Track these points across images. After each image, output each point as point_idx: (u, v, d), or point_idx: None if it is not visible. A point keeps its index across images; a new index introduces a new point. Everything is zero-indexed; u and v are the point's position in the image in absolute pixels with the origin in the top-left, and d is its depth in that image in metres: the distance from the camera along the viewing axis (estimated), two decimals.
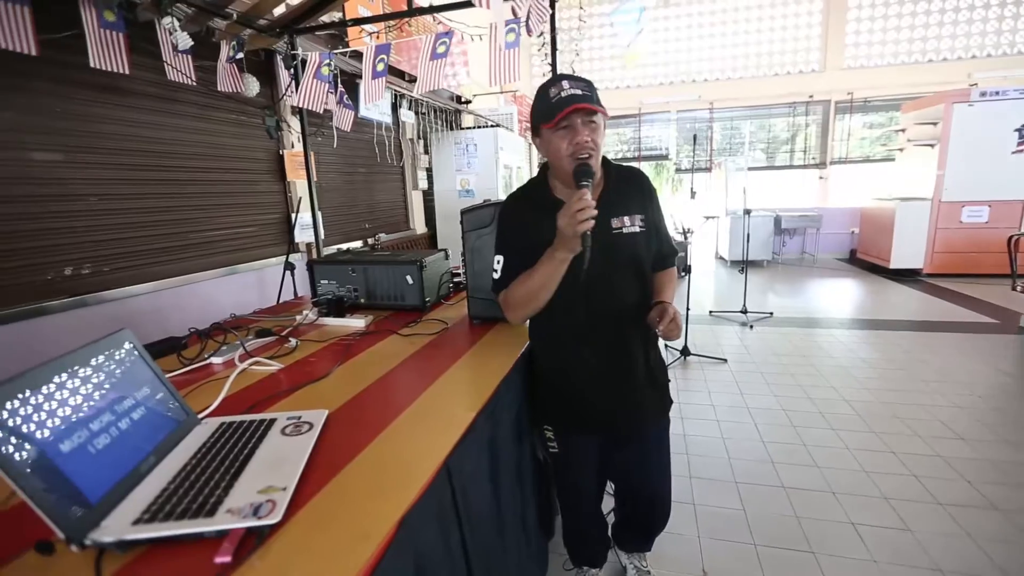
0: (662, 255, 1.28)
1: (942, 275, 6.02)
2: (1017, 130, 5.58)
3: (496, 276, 1.22)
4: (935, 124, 5.87)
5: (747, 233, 4.40)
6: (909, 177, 6.45)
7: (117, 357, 0.79)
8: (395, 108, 3.80)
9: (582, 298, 1.17)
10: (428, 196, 5.12)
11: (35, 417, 0.61)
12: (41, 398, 0.63)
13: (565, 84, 1.09)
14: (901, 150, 6.62)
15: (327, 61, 2.09)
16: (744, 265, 4.56)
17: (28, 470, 0.56)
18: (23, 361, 1.89)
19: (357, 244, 3.88)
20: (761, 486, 2.12)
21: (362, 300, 1.79)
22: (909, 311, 4.75)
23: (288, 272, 2.81)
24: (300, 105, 2.13)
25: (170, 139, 2.44)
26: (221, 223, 2.76)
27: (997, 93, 5.57)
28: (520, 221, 1.21)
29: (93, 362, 0.73)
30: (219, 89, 2.28)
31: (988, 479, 2.11)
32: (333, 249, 3.57)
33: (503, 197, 5.18)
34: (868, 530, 1.85)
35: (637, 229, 1.19)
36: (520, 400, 1.25)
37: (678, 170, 8.95)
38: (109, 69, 1.76)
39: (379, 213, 4.28)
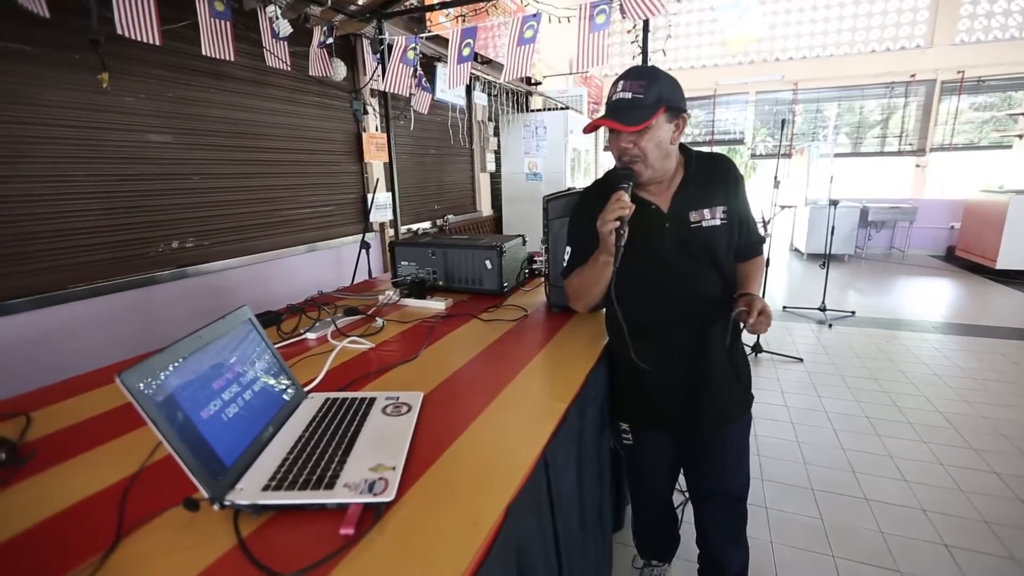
0: (749, 244, 1.22)
1: None
2: None
3: (565, 265, 1.24)
4: None
5: (832, 225, 4.09)
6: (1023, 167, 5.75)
7: (240, 332, 0.85)
8: (469, 90, 3.81)
9: (657, 292, 1.14)
10: (495, 178, 5.13)
11: (182, 385, 0.67)
12: (185, 368, 0.69)
13: (620, 85, 1.05)
14: (1020, 137, 5.89)
15: (413, 45, 2.12)
16: (826, 259, 4.26)
17: (179, 433, 0.62)
18: (141, 324, 2.10)
19: (426, 224, 3.97)
20: (842, 496, 2.01)
21: (440, 282, 1.83)
22: (1018, 317, 4.27)
23: (364, 251, 2.93)
24: (387, 88, 2.18)
25: (262, 121, 2.58)
26: (304, 202, 2.90)
27: None
28: (591, 214, 1.19)
29: (222, 336, 0.79)
30: (310, 73, 2.37)
31: None
32: (404, 229, 3.68)
33: (570, 181, 5.10)
34: (965, 555, 1.71)
35: (718, 222, 1.14)
36: (604, 393, 1.24)
37: (753, 155, 8.44)
38: (218, 57, 1.88)
39: (448, 195, 4.35)
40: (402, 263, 1.88)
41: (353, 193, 3.26)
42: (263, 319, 1.44)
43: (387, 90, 2.17)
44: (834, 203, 4.08)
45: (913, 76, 7.18)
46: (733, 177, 1.17)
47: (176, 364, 0.67)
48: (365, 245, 2.91)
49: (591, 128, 1.09)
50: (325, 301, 1.69)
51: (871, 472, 2.16)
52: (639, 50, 1.87)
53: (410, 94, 2.33)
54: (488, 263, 1.73)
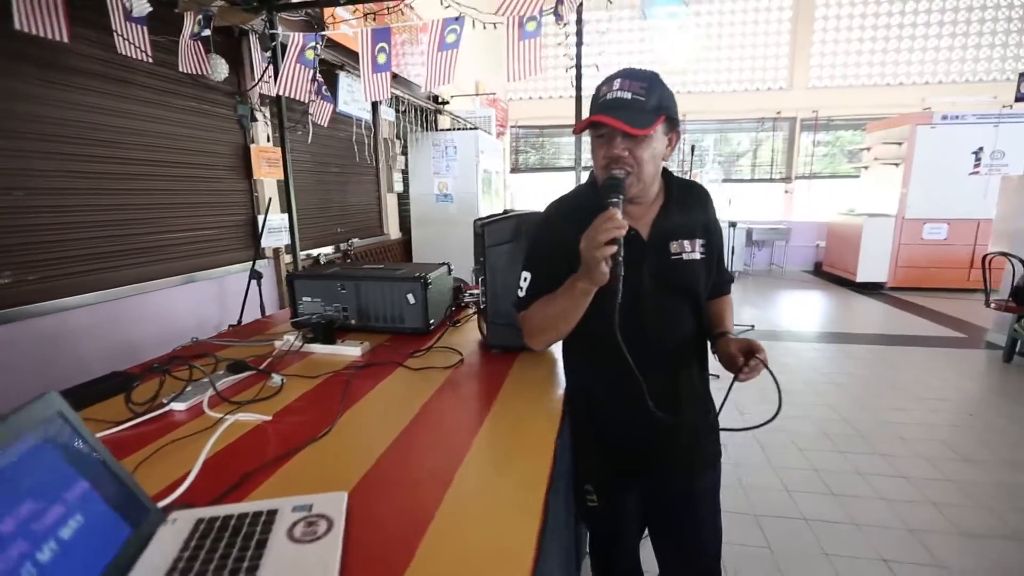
0: (722, 281, 1.14)
1: (904, 288, 6.23)
2: (974, 152, 5.85)
3: (520, 294, 1.03)
4: (900, 144, 6.08)
5: (732, 246, 4.35)
6: (872, 194, 6.67)
7: (37, 441, 0.52)
8: (375, 105, 3.52)
9: (631, 332, 0.98)
10: (403, 199, 4.83)
11: None
12: None
13: (616, 84, 0.90)
14: (866, 168, 6.84)
15: (312, 43, 1.82)
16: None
17: None
18: None
19: (329, 249, 3.57)
20: (784, 519, 1.99)
21: (352, 321, 1.53)
22: (882, 324, 4.84)
23: (255, 281, 2.49)
24: (281, 91, 1.84)
25: (119, 126, 2.09)
26: (177, 224, 2.41)
27: (957, 117, 5.82)
28: (559, 236, 1.01)
29: (4, 456, 0.47)
30: (180, 70, 1.96)
31: (1009, 505, 2.06)
32: (303, 255, 3.26)
33: (482, 202, 4.96)
34: (902, 568, 1.73)
35: (698, 255, 1.03)
36: (568, 458, 1.04)
37: None
38: (40, 34, 1.44)
39: (352, 217, 3.97)
40: (303, 299, 1.56)
41: (240, 214, 2.80)
42: (105, 385, 1.05)
43: (281, 93, 1.84)
44: (732, 224, 4.34)
45: (779, 113, 8.13)
46: (711, 208, 1.07)
47: None
48: (256, 275, 2.48)
49: (584, 126, 0.91)
50: (200, 352, 1.31)
51: (803, 490, 2.19)
52: (571, 62, 1.77)
53: (309, 100, 2.01)
54: (411, 297, 1.47)
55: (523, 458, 0.81)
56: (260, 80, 2.11)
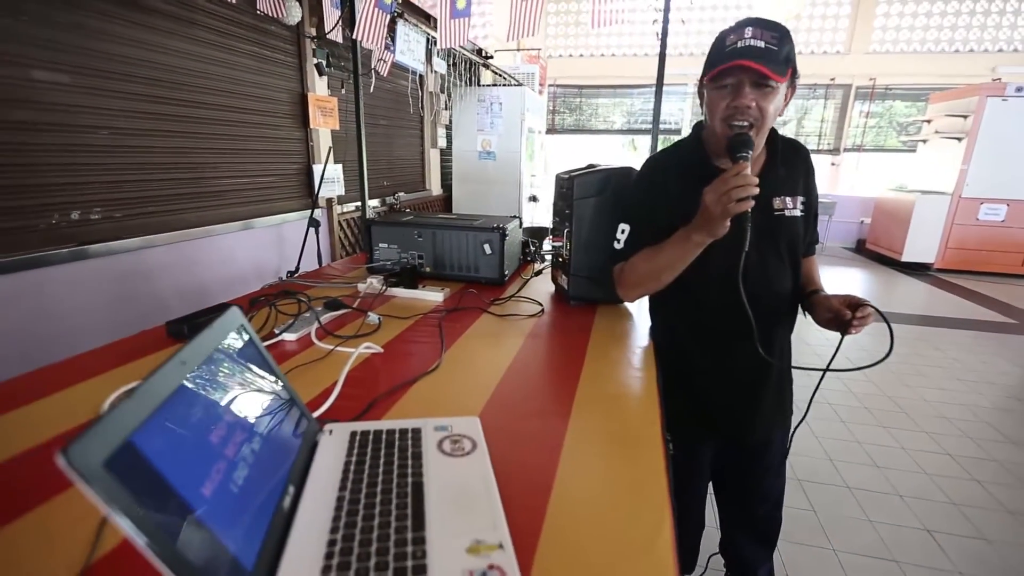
0: (812, 241, 1.15)
1: (952, 271, 6.02)
2: None
3: (618, 246, 1.06)
4: (965, 117, 5.74)
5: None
6: (927, 169, 6.36)
7: (234, 348, 0.57)
8: (428, 55, 3.46)
9: (730, 287, 1.00)
10: (445, 156, 4.81)
11: (168, 449, 0.40)
12: (171, 418, 0.41)
13: (748, 32, 0.88)
14: (924, 141, 6.50)
15: None
16: None
17: (175, 536, 0.36)
18: (25, 319, 1.64)
19: (375, 203, 3.60)
20: (826, 485, 2.03)
21: (427, 269, 1.57)
22: (926, 305, 4.71)
23: (312, 230, 2.55)
24: (359, 38, 1.83)
25: (188, 69, 2.12)
26: (239, 170, 2.46)
27: None
28: (662, 188, 1.03)
29: (215, 356, 0.52)
30: (258, 10, 1.95)
31: None
32: (352, 207, 3.31)
33: (526, 161, 4.91)
34: (945, 538, 1.77)
35: (798, 212, 1.04)
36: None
37: None
38: None
39: (397, 171, 3.98)
40: (380, 245, 1.60)
41: (297, 163, 2.84)
42: (216, 315, 1.12)
43: (359, 39, 1.83)
44: None
45: (832, 79, 7.71)
46: (811, 167, 1.08)
47: (156, 415, 0.40)
48: (314, 223, 2.54)
49: (723, 69, 0.87)
50: (287, 290, 1.37)
51: (846, 460, 2.21)
52: (658, 15, 1.68)
53: (383, 47, 1.99)
54: (487, 247, 1.50)
55: (632, 398, 0.85)
56: (337, 24, 2.09)
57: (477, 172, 4.67)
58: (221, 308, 1.17)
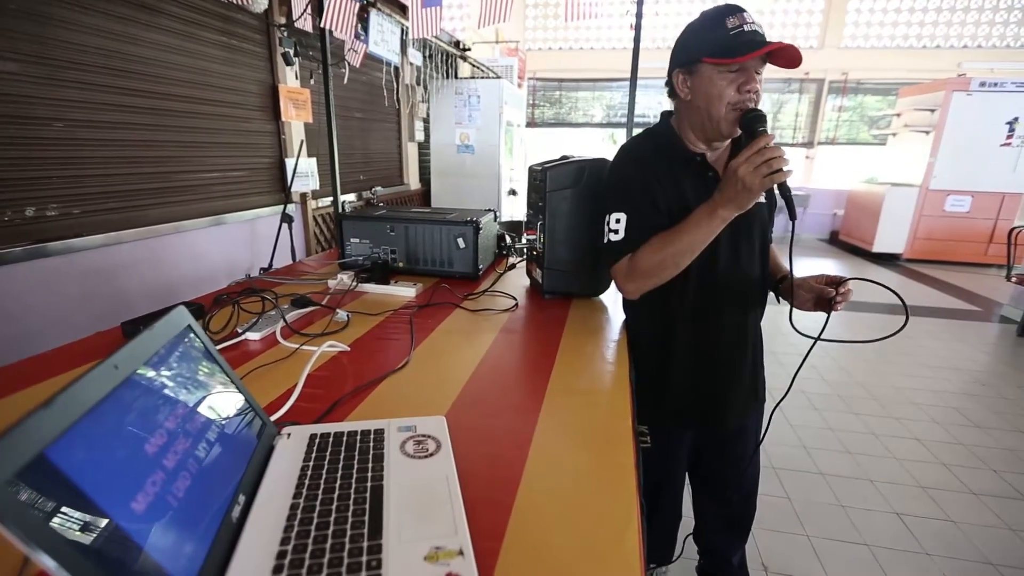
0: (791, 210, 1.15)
1: (920, 260, 6.20)
2: (1008, 123, 5.67)
3: (616, 238, 1.01)
4: (932, 111, 5.88)
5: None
6: (897, 162, 6.52)
7: (177, 350, 0.54)
8: (403, 47, 3.39)
9: (705, 272, 1.01)
10: (423, 149, 4.75)
11: (93, 463, 0.37)
12: (96, 428, 0.39)
13: (748, 17, 0.90)
14: (894, 134, 6.66)
15: None
16: None
17: (100, 560, 0.33)
18: None
19: (351, 197, 3.54)
20: (801, 472, 2.07)
21: (400, 264, 1.54)
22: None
23: (286, 225, 2.49)
24: (326, 27, 1.77)
25: (151, 59, 2.03)
26: (209, 164, 2.38)
27: (996, 84, 5.60)
28: (652, 174, 1.01)
29: (154, 360, 0.49)
30: None
31: (1016, 469, 2.13)
32: (327, 202, 3.24)
33: (505, 155, 4.87)
34: (913, 520, 1.82)
35: (762, 199, 1.03)
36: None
37: None
38: None
39: (374, 164, 3.91)
40: (352, 240, 1.56)
41: (268, 157, 2.76)
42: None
43: (327, 27, 1.77)
44: None
45: (807, 74, 7.83)
46: None
47: (79, 424, 0.37)
48: (287, 218, 2.48)
49: (766, 51, 0.87)
50: (254, 288, 1.33)
51: (819, 447, 2.26)
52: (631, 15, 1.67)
53: (352, 37, 1.93)
54: (461, 241, 1.47)
55: (603, 392, 0.84)
56: (304, 12, 2.03)
57: (456, 166, 4.62)
58: (187, 307, 1.13)
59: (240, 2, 1.92)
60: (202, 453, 0.49)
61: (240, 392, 0.62)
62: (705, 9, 0.94)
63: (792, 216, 0.86)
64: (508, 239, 1.71)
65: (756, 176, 0.82)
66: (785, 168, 0.82)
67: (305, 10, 2.07)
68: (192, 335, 0.58)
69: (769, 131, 0.86)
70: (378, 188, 3.68)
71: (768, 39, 0.89)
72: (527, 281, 1.48)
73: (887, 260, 6.29)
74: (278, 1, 2.53)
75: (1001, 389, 2.88)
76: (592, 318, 1.21)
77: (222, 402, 0.57)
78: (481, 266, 1.51)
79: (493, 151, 4.54)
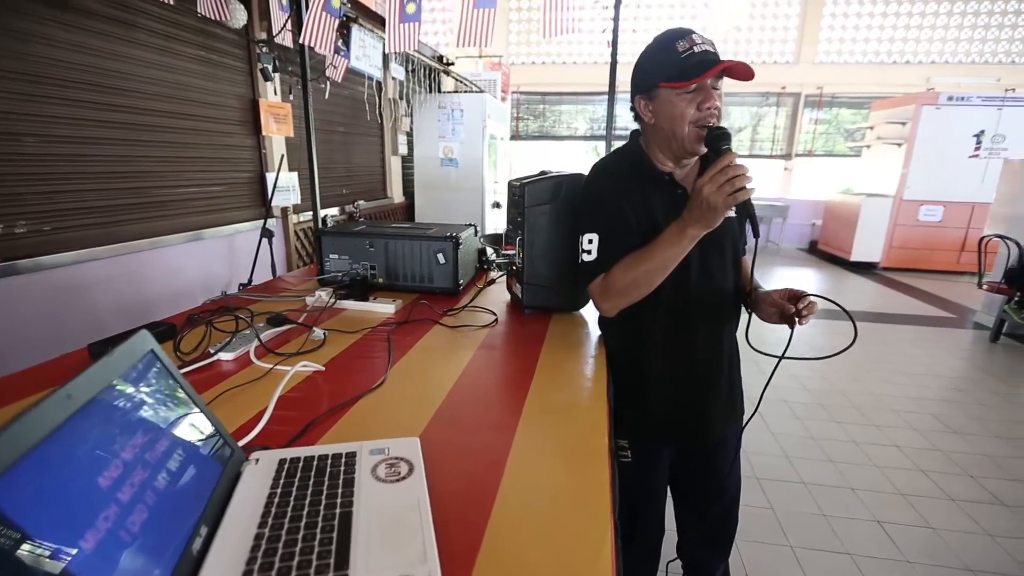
0: (744, 240, 1.17)
1: (896, 269, 6.34)
2: (975, 135, 5.87)
3: (589, 258, 1.03)
4: (903, 124, 6.07)
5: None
6: (872, 173, 6.69)
7: (138, 376, 0.53)
8: (385, 61, 3.41)
9: (678, 287, 1.02)
10: (406, 163, 4.75)
11: (37, 499, 0.35)
12: (44, 463, 0.37)
13: (696, 38, 0.92)
14: (868, 146, 6.84)
15: None
16: None
17: None
18: None
19: (334, 211, 3.52)
20: (784, 482, 2.08)
21: (380, 280, 1.53)
22: (873, 303, 4.94)
23: (266, 240, 2.46)
24: (306, 42, 1.77)
25: (129, 73, 2.01)
26: (186, 179, 2.35)
27: (962, 98, 5.81)
28: (623, 194, 1.02)
29: (111, 388, 0.48)
30: (199, 13, 1.87)
31: (992, 474, 2.17)
32: (309, 216, 3.22)
33: (489, 168, 4.90)
34: (893, 528, 1.83)
35: (732, 212, 1.05)
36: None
37: None
38: None
39: (357, 178, 3.90)
40: (331, 256, 1.55)
41: (248, 171, 2.74)
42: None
43: (306, 43, 1.77)
44: None
45: (783, 88, 8.04)
46: None
47: (24, 460, 0.35)
48: (268, 233, 2.45)
49: (718, 70, 0.89)
50: (231, 306, 1.30)
51: (802, 456, 2.28)
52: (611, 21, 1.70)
53: (332, 53, 1.94)
54: (441, 256, 1.47)
55: (580, 408, 0.84)
56: (283, 28, 2.02)
57: (439, 179, 4.63)
58: (156, 325, 1.11)
59: (218, 18, 1.90)
60: (161, 484, 0.48)
61: (206, 417, 0.60)
62: (657, 34, 0.97)
63: (755, 234, 0.88)
64: (489, 252, 1.71)
65: (720, 195, 0.84)
66: (748, 186, 0.84)
67: (284, 25, 2.07)
68: (155, 359, 0.57)
69: (733, 148, 0.88)
70: (361, 202, 3.66)
71: (722, 56, 0.92)
72: (508, 296, 1.48)
73: (865, 269, 6.43)
74: (259, 16, 2.53)
75: (977, 395, 2.94)
76: (572, 333, 1.21)
77: (184, 429, 0.55)
78: (461, 281, 1.50)
79: (477, 164, 4.56)
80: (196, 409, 0.59)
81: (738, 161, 0.85)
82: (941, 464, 2.24)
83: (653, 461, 1.17)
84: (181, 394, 0.58)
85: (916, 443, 2.41)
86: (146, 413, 0.50)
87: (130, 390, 0.50)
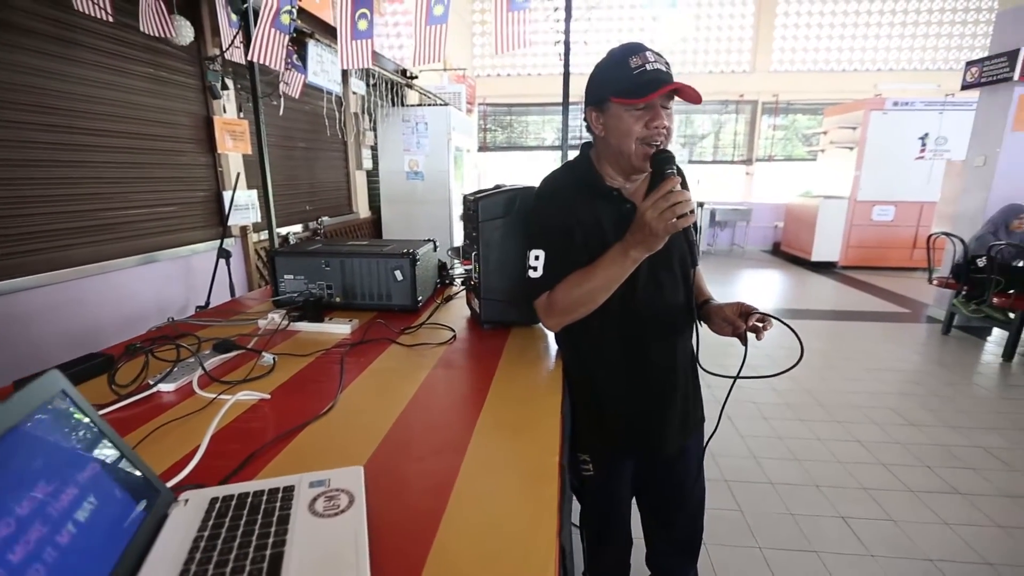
0: (692, 252, 1.17)
1: (854, 267, 6.58)
2: (920, 138, 6.17)
3: (535, 275, 1.03)
4: (854, 128, 6.34)
5: (699, 226, 4.46)
6: (828, 176, 6.96)
7: (45, 420, 0.49)
8: (345, 77, 3.38)
9: (629, 301, 1.03)
10: (372, 177, 4.70)
11: None
12: None
13: (649, 55, 0.93)
14: (822, 151, 7.11)
15: (288, 7, 1.71)
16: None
17: None
18: None
19: (298, 228, 3.45)
20: (752, 483, 2.11)
21: (337, 299, 1.50)
22: (834, 301, 5.11)
23: (223, 261, 2.39)
24: (254, 58, 1.73)
25: (72, 93, 1.94)
26: (136, 200, 2.27)
27: (906, 104, 6.10)
28: (568, 210, 1.03)
29: (12, 439, 0.44)
30: (141, 30, 1.81)
31: (946, 463, 2.25)
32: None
33: (454, 182, 4.91)
34: (858, 523, 1.87)
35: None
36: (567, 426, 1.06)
37: None
38: None
39: (321, 194, 3.84)
40: (285, 276, 1.51)
41: (204, 190, 2.66)
42: (83, 367, 1.00)
43: (254, 60, 1.74)
44: (701, 205, 4.45)
45: (741, 96, 8.31)
46: (686, 181, 1.08)
47: None
48: (224, 254, 2.38)
49: (667, 91, 0.90)
50: (178, 332, 1.25)
51: (769, 456, 2.32)
52: (556, 36, 1.74)
53: (282, 69, 1.91)
54: (398, 274, 1.45)
55: (532, 427, 0.83)
56: (232, 44, 1.98)
57: (406, 193, 4.60)
58: (91, 357, 1.05)
59: (162, 35, 1.85)
60: (64, 539, 0.44)
61: (127, 459, 0.57)
62: (612, 48, 0.98)
63: (693, 263, 0.89)
64: (459, 266, 1.70)
65: (661, 221, 0.85)
66: (689, 212, 0.85)
67: (232, 42, 2.02)
68: (67, 401, 0.53)
69: (675, 173, 0.89)
70: (325, 218, 3.60)
71: (676, 71, 0.94)
72: (468, 311, 1.47)
73: (825, 269, 6.65)
74: (210, 32, 2.48)
75: (932, 387, 3.06)
76: (530, 348, 1.21)
77: (97, 475, 0.52)
78: (420, 298, 1.48)
79: (443, 177, 4.55)
80: (114, 451, 0.56)
81: (679, 187, 0.86)
82: (900, 456, 2.31)
83: (616, 473, 1.17)
84: (97, 436, 0.55)
85: (876, 437, 2.48)
86: (50, 461, 0.47)
87: (32, 436, 0.47)
